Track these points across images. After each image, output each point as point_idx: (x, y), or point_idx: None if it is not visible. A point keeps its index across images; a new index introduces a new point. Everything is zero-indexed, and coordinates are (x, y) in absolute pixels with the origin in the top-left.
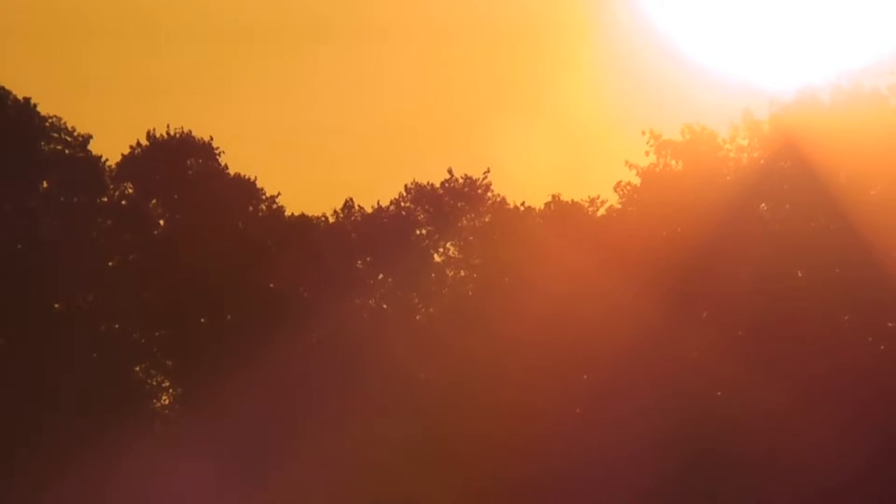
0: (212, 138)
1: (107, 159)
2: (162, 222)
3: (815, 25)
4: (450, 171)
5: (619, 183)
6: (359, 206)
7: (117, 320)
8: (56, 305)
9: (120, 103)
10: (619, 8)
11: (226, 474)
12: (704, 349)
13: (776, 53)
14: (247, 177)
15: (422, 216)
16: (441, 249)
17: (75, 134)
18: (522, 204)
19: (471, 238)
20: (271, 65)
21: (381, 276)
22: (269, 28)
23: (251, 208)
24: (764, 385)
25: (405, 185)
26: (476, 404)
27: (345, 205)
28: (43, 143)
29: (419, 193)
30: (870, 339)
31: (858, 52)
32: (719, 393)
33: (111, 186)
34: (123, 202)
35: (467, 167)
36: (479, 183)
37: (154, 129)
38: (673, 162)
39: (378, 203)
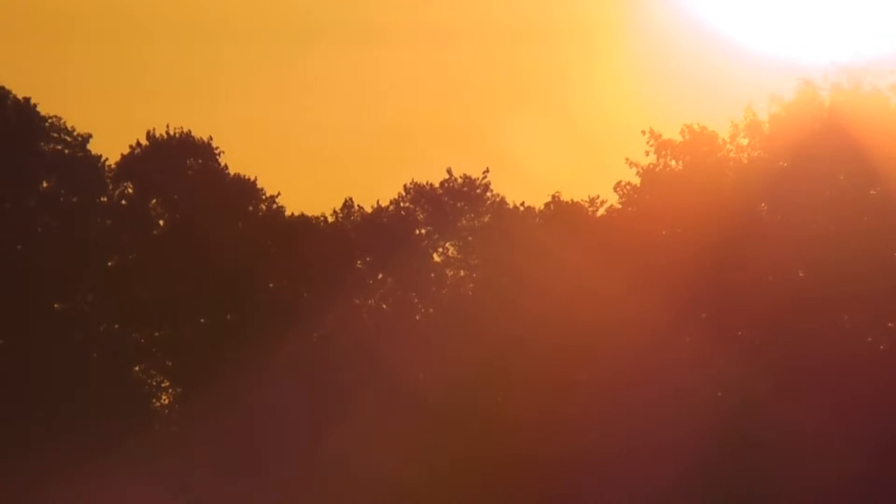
0: (211, 138)
1: (107, 159)
2: (162, 222)
3: (816, 23)
4: (449, 171)
5: (619, 183)
6: (358, 206)
7: (117, 320)
8: (56, 305)
9: (120, 103)
10: (619, 8)
11: (225, 474)
12: (704, 350)
13: (779, 52)
14: (247, 177)
15: (421, 216)
16: (440, 249)
17: (75, 134)
18: (522, 204)
19: (470, 238)
20: (271, 65)
21: (380, 276)
22: (269, 28)
23: (251, 208)
24: (764, 384)
25: (405, 186)
26: (476, 404)
27: (344, 205)
28: (43, 143)
29: (419, 193)
30: (869, 339)
31: (859, 51)
32: (719, 393)
33: (111, 186)
34: (123, 202)
35: (467, 167)
36: (478, 183)
37: (154, 129)
38: (673, 162)
39: (378, 203)
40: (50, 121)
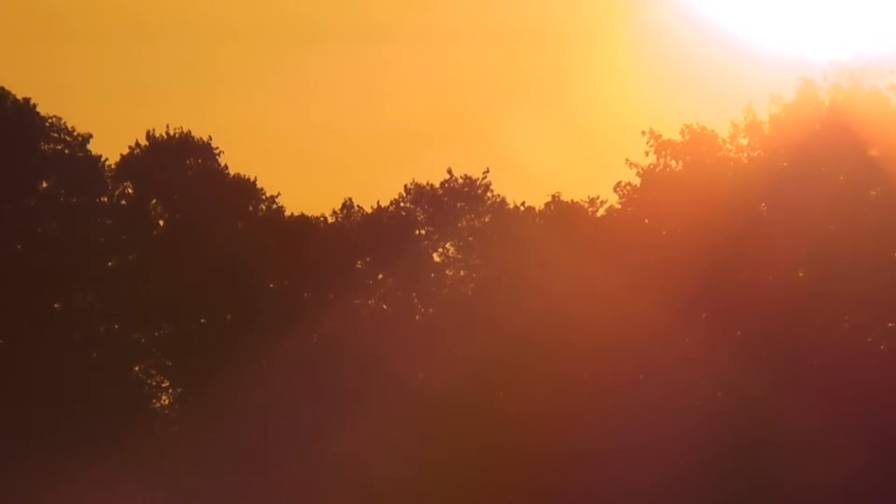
0: (211, 138)
1: (107, 159)
2: (162, 222)
3: (816, 23)
4: (449, 172)
5: (619, 183)
6: (358, 206)
7: (117, 320)
8: (56, 305)
9: (120, 103)
10: (618, 9)
11: (225, 474)
12: (704, 349)
13: (779, 52)
14: (247, 177)
15: (421, 216)
16: (441, 250)
17: (75, 134)
18: (522, 204)
19: (470, 238)
20: (271, 65)
21: (380, 276)
22: (269, 28)
23: (251, 208)
24: (764, 384)
25: (405, 186)
26: (475, 404)
27: (344, 205)
28: (43, 143)
29: (419, 194)
30: (869, 339)
31: (859, 51)
32: (719, 393)
33: (111, 186)
34: (123, 202)
35: (467, 167)
36: (478, 183)
37: (154, 129)
38: (673, 162)
39: (378, 203)
40: (50, 121)
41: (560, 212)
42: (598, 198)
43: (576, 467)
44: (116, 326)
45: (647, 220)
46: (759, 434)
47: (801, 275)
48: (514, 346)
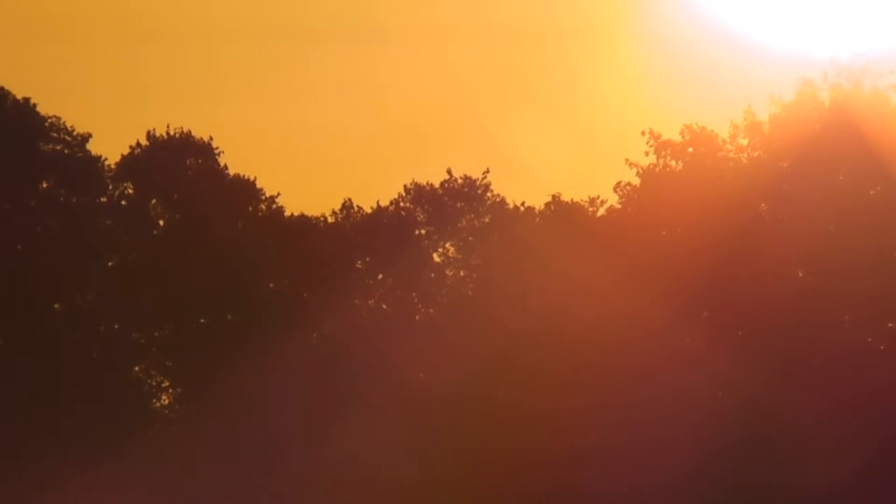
0: (211, 138)
1: (106, 159)
2: (162, 222)
3: (816, 23)
4: (449, 172)
5: (618, 183)
6: (358, 206)
7: (117, 320)
8: (56, 305)
9: (120, 103)
10: (617, 9)
11: (226, 474)
12: (704, 349)
13: (779, 52)
14: (246, 177)
15: (421, 216)
16: (440, 250)
17: (75, 134)
18: (522, 204)
19: (470, 238)
20: (271, 65)
21: (380, 276)
22: (269, 28)
23: (251, 208)
24: (764, 383)
25: (404, 186)
26: (476, 404)
27: (344, 205)
28: (43, 143)
29: (418, 194)
30: (869, 339)
31: (859, 51)
32: (720, 392)
33: (111, 186)
34: (123, 202)
35: (467, 167)
36: (478, 183)
37: (154, 129)
38: (673, 162)
39: (377, 203)
40: (50, 121)
41: (560, 212)
42: (598, 198)
43: (576, 465)
44: (116, 326)
45: (647, 220)
46: (759, 433)
47: (801, 274)
48: (515, 346)
